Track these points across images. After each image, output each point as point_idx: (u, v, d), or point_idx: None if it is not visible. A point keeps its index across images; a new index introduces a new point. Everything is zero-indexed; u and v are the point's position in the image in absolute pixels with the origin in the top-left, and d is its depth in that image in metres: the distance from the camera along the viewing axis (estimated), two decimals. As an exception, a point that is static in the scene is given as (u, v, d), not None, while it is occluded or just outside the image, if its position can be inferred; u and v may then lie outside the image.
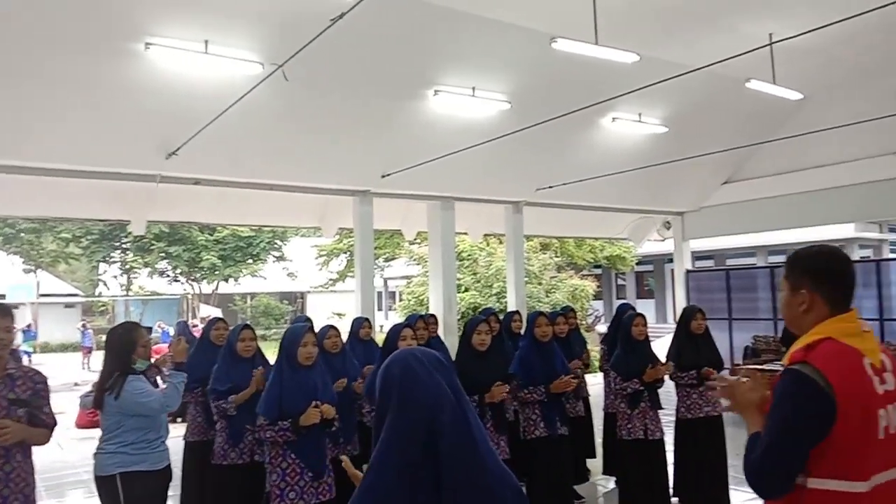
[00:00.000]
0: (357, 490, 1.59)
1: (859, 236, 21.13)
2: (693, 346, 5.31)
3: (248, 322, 7.70)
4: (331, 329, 4.99)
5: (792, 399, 1.82)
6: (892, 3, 5.00)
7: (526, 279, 15.55)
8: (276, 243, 28.86)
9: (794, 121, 10.51)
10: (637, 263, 24.79)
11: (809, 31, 5.79)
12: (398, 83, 8.19)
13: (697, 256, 24.06)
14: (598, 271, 27.26)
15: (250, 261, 28.39)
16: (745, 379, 2.06)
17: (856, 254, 21.71)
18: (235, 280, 28.83)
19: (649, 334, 5.25)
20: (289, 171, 8.87)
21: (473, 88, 8.38)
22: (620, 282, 30.54)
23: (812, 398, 1.78)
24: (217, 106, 6.72)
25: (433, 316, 6.54)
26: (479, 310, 7.54)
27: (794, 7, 7.40)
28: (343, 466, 2.08)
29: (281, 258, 29.73)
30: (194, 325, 17.05)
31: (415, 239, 14.77)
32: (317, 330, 4.57)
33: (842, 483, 1.77)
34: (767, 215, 12.14)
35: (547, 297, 15.75)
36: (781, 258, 22.44)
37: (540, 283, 16.19)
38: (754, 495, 1.94)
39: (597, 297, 26.26)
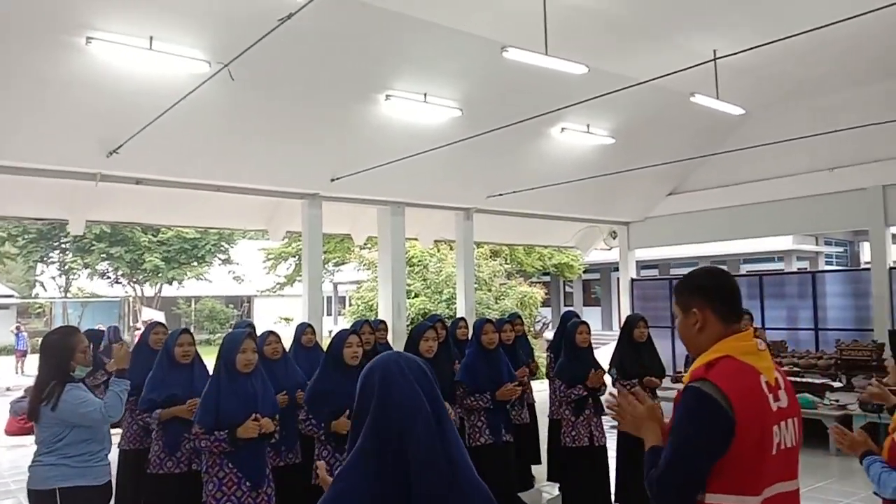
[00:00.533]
0: (325, 494, 1.56)
1: (797, 248, 21.90)
2: (635, 353, 5.41)
3: (192, 326, 7.49)
4: (271, 335, 4.87)
5: (694, 416, 1.85)
6: (827, 25, 5.19)
7: (476, 286, 15.61)
8: (222, 246, 28.23)
9: (736, 135, 10.86)
10: (584, 272, 25.14)
11: (751, 49, 5.97)
12: (349, 86, 8.13)
13: (643, 265, 24.52)
14: (547, 279, 27.58)
15: (195, 263, 27.69)
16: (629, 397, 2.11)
17: (794, 265, 22.49)
18: (179, 283, 28.06)
19: (595, 342, 5.33)
20: (236, 172, 8.70)
21: (425, 94, 8.37)
22: (568, 289, 30.94)
23: (713, 415, 1.81)
24: (161, 104, 6.53)
25: (382, 322, 6.48)
26: (427, 316, 7.50)
27: (738, 25, 7.63)
28: (317, 472, 2.05)
29: (227, 261, 29.11)
30: (136, 329, 16.56)
31: (365, 244, 14.68)
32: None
33: (737, 498, 1.81)
34: (710, 226, 12.48)
35: (496, 303, 15.84)
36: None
37: (489, 290, 16.28)
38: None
39: (545, 304, 26.55)
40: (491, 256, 17.76)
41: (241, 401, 3.61)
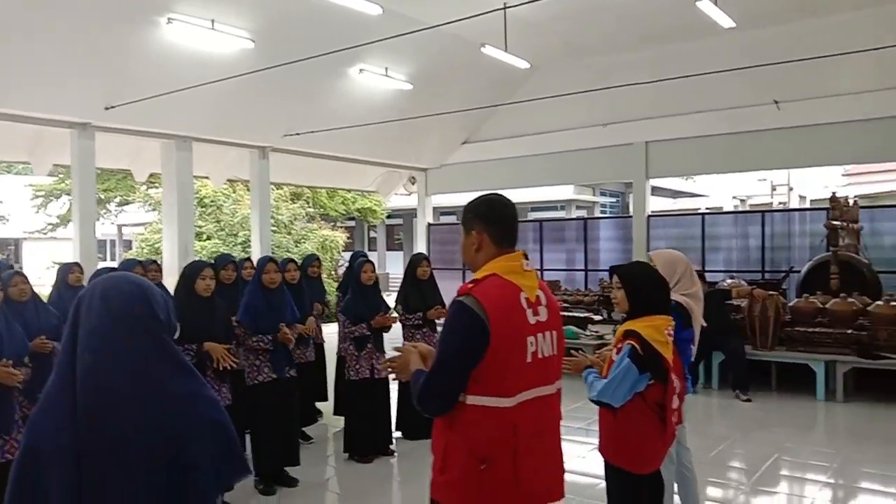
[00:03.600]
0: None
1: (576, 198, 23.96)
2: (418, 290, 5.67)
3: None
4: (16, 275, 4.35)
5: (455, 326, 2.06)
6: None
7: (274, 228, 15.24)
8: (-20, 181, 24.69)
9: (525, 88, 11.47)
10: (388, 217, 25.52)
11: (536, 0, 6.28)
12: (126, 4, 7.37)
13: (443, 212, 25.47)
14: (352, 223, 27.62)
15: (-55, 199, 23.98)
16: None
17: (574, 213, 24.57)
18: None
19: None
20: (-10, 94, 7.59)
21: (213, 21, 7.84)
22: (373, 234, 31.27)
23: (471, 325, 2.01)
24: None
25: (154, 262, 6.07)
26: (216, 256, 7.17)
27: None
28: None
29: (-12, 198, 25.53)
30: None
31: (149, 181, 13.61)
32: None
33: (492, 399, 2.02)
34: (500, 175, 13.17)
35: (296, 247, 15.57)
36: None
37: (289, 233, 15.94)
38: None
39: (348, 248, 26.64)
40: (291, 199, 17.33)
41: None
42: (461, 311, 2.03)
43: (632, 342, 2.77)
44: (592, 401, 2.88)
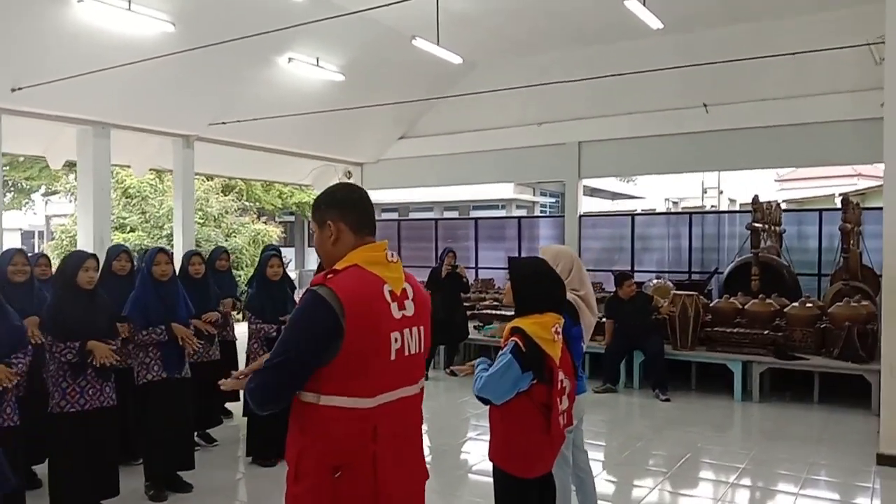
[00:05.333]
0: None
1: (517, 197, 24.04)
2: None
3: None
4: None
5: (303, 317, 1.87)
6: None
7: (202, 221, 14.77)
8: None
9: (461, 84, 11.34)
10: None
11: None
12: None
13: (384, 209, 25.23)
14: (291, 218, 27.07)
15: None
16: None
17: (515, 212, 24.66)
18: None
19: None
20: None
21: (129, 1, 7.46)
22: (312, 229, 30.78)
23: (322, 318, 1.82)
24: None
25: (43, 256, 5.62)
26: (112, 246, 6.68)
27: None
28: None
29: None
30: None
31: (65, 169, 13.00)
32: None
33: (350, 399, 1.85)
34: (437, 171, 13.06)
35: (227, 240, 15.12)
36: (454, 213, 24.64)
37: (219, 226, 15.47)
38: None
39: (288, 243, 26.11)
40: (223, 191, 16.83)
41: None
42: (313, 301, 1.85)
43: (516, 339, 2.66)
44: (477, 397, 2.75)
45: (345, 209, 2.00)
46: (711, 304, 8.11)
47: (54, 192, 21.37)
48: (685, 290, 8.23)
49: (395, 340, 1.91)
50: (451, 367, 8.26)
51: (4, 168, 18.29)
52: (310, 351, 1.83)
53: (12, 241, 8.02)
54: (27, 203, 21.77)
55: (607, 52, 10.27)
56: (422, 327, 2.02)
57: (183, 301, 4.55)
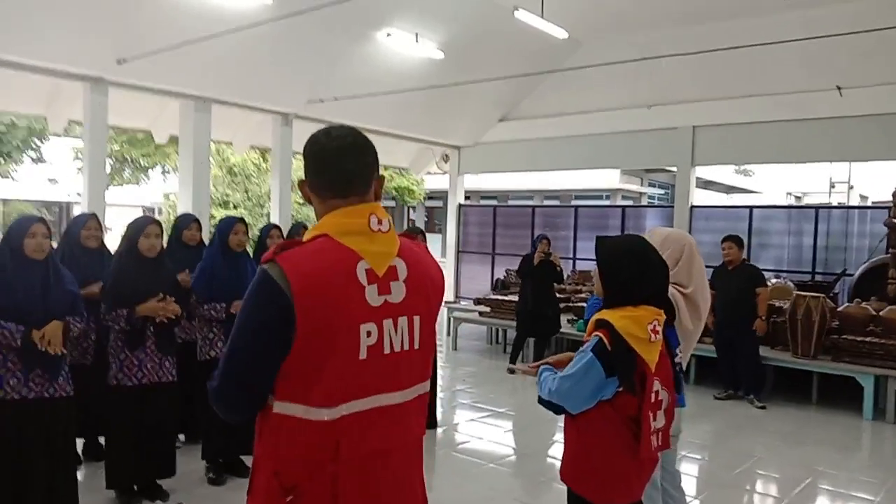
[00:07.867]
0: None
1: (623, 187, 22.97)
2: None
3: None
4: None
5: (249, 303, 1.47)
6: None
7: (301, 201, 14.89)
8: (32, 142, 24.99)
9: (565, 64, 10.72)
10: (428, 198, 25.03)
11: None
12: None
13: (483, 196, 24.86)
14: (392, 203, 27.21)
15: (0, 160, 24.36)
16: None
17: (620, 202, 23.64)
18: (-18, 181, 24.76)
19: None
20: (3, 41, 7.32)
21: (228, -28, 7.41)
22: (413, 215, 30.86)
23: (267, 302, 1.42)
24: None
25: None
26: (182, 214, 6.46)
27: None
28: None
29: (39, 160, 25.87)
30: None
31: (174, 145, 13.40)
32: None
33: (301, 407, 1.43)
34: (538, 156, 12.49)
35: (325, 221, 15.21)
36: (555, 202, 23.85)
37: (318, 207, 15.59)
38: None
39: (388, 228, 26.22)
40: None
41: None
42: (259, 282, 1.44)
43: (600, 334, 2.16)
44: (542, 403, 2.28)
45: (308, 166, 1.57)
46: (839, 309, 7.16)
47: (171, 170, 22.40)
48: (808, 291, 7.33)
49: (368, 335, 1.46)
50: (511, 365, 7.40)
51: (123, 144, 19.37)
52: (257, 344, 1.43)
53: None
54: (143, 179, 22.89)
55: (724, 28, 9.36)
56: (417, 317, 1.56)
57: (253, 273, 4.30)
